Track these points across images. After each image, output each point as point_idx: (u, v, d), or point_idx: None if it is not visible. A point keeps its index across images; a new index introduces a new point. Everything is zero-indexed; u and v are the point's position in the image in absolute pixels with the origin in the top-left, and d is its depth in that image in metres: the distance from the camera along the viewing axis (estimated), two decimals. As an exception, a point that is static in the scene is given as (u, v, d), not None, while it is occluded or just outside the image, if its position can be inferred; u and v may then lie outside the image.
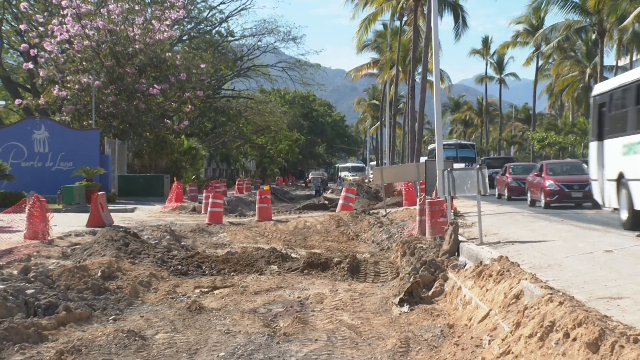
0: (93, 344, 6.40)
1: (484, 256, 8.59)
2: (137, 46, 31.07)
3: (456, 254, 10.02)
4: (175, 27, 39.43)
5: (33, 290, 7.85)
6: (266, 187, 28.33)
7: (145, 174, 32.00)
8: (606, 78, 52.38)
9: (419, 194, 20.77)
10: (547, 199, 20.20)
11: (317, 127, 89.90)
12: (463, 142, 48.79)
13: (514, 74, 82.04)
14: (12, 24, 37.22)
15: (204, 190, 24.84)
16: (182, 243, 14.45)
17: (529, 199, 21.97)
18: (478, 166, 11.43)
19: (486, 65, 79.69)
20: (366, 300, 8.83)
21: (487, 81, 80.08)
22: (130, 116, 30.67)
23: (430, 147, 45.51)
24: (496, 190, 28.19)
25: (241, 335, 6.94)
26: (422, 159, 33.59)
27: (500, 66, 79.23)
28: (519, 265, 7.31)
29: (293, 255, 13.04)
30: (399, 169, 28.09)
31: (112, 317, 7.68)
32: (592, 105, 15.68)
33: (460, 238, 10.43)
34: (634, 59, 47.77)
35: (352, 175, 63.33)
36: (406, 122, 49.89)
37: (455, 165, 30.20)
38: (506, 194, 26.16)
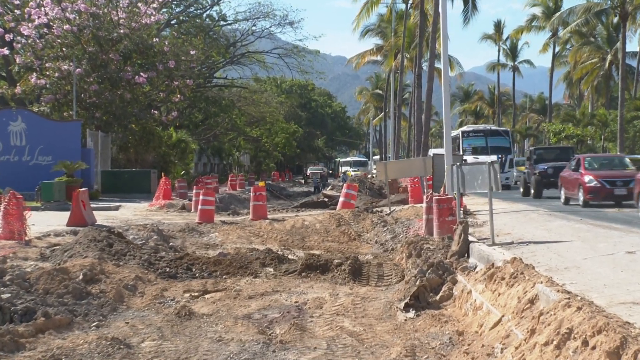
0: (74, 352, 6.41)
1: (496, 258, 8.60)
2: (121, 31, 31.02)
3: (466, 255, 10.04)
4: (163, 10, 39.40)
5: (9, 295, 7.84)
6: (261, 183, 28.38)
7: (131, 169, 31.99)
8: (628, 65, 52.45)
9: (425, 190, 20.79)
10: None
11: (316, 119, 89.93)
12: (495, 127, 43.48)
13: (528, 61, 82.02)
14: (-14, 6, 37.15)
15: (194, 187, 24.90)
16: (171, 244, 14.47)
17: None
18: (496, 159, 11.38)
19: (498, 51, 79.63)
20: (369, 305, 8.84)
21: (499, 69, 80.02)
22: (114, 106, 30.64)
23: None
24: (562, 192, 21.73)
25: (234, 343, 6.94)
26: (430, 152, 33.49)
27: (513, 53, 79.15)
28: (533, 268, 7.32)
29: (290, 256, 13.05)
30: (405, 163, 28.09)
31: (94, 324, 7.68)
32: None
33: (470, 238, 10.44)
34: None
35: (354, 171, 63.33)
36: (412, 113, 50.02)
37: (485, 158, 29.30)
38: (581, 197, 19.84)
